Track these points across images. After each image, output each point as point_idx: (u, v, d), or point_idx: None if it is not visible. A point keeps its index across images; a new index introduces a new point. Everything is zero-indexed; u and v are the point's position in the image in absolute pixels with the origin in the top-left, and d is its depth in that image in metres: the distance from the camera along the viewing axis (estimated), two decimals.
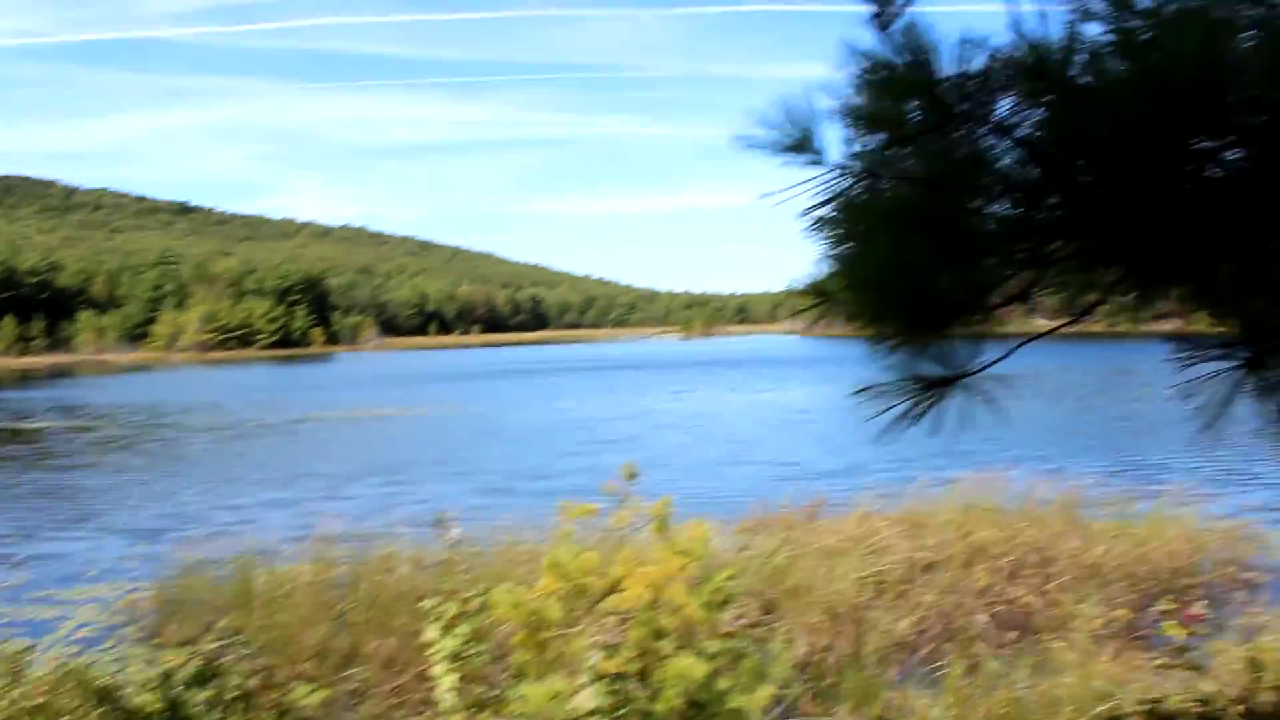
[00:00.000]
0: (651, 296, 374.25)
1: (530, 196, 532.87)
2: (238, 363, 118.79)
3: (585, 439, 30.51)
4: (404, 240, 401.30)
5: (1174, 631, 6.69)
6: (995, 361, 2.09)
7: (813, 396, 44.90)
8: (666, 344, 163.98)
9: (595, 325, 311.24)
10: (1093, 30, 2.06)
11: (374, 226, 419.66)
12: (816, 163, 2.12)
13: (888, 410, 2.09)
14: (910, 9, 2.15)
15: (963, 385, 2.08)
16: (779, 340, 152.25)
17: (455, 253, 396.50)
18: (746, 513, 12.72)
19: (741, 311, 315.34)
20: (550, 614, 4.46)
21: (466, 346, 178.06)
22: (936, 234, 1.99)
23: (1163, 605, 7.02)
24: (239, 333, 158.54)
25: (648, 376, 67.06)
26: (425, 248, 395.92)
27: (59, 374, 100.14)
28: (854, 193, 2.14)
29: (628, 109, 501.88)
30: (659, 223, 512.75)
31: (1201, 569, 10.92)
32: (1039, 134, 2.05)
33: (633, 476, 8.83)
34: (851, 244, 2.14)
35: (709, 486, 19.41)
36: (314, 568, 9.92)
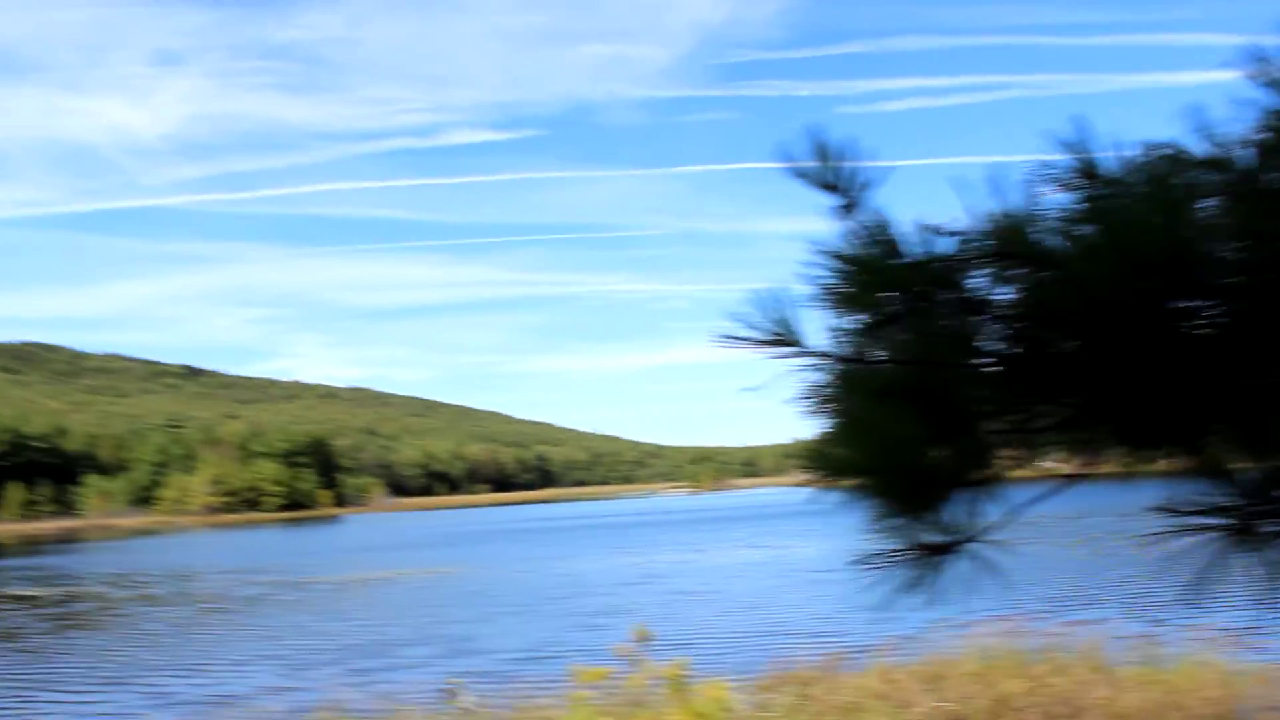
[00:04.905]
0: (657, 451, 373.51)
1: (532, 355, 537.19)
2: (246, 526, 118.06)
3: (595, 598, 30.21)
4: (409, 400, 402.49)
5: None
6: (996, 525, 2.16)
7: (824, 550, 44.54)
8: (675, 499, 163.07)
9: (602, 482, 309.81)
10: (1057, 199, 2.17)
11: (379, 387, 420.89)
12: (799, 352, 2.21)
13: (889, 579, 2.16)
14: (873, 192, 2.27)
15: (964, 550, 2.15)
16: (788, 493, 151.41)
17: (460, 412, 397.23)
18: (763, 670, 12.55)
19: (749, 464, 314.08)
20: None
21: (474, 506, 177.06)
22: (924, 409, 2.08)
23: None
24: (247, 495, 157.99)
25: (657, 533, 66.63)
26: (430, 407, 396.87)
27: (66, 539, 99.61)
28: (838, 375, 2.23)
29: (624, 267, 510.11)
30: (658, 378, 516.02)
31: (1239, 715, 10.65)
32: (1013, 309, 2.14)
33: (645, 639, 8.78)
34: (842, 422, 2.23)
35: (722, 644, 19.17)
36: None
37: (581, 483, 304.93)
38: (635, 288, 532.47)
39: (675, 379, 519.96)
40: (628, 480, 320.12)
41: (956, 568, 2.14)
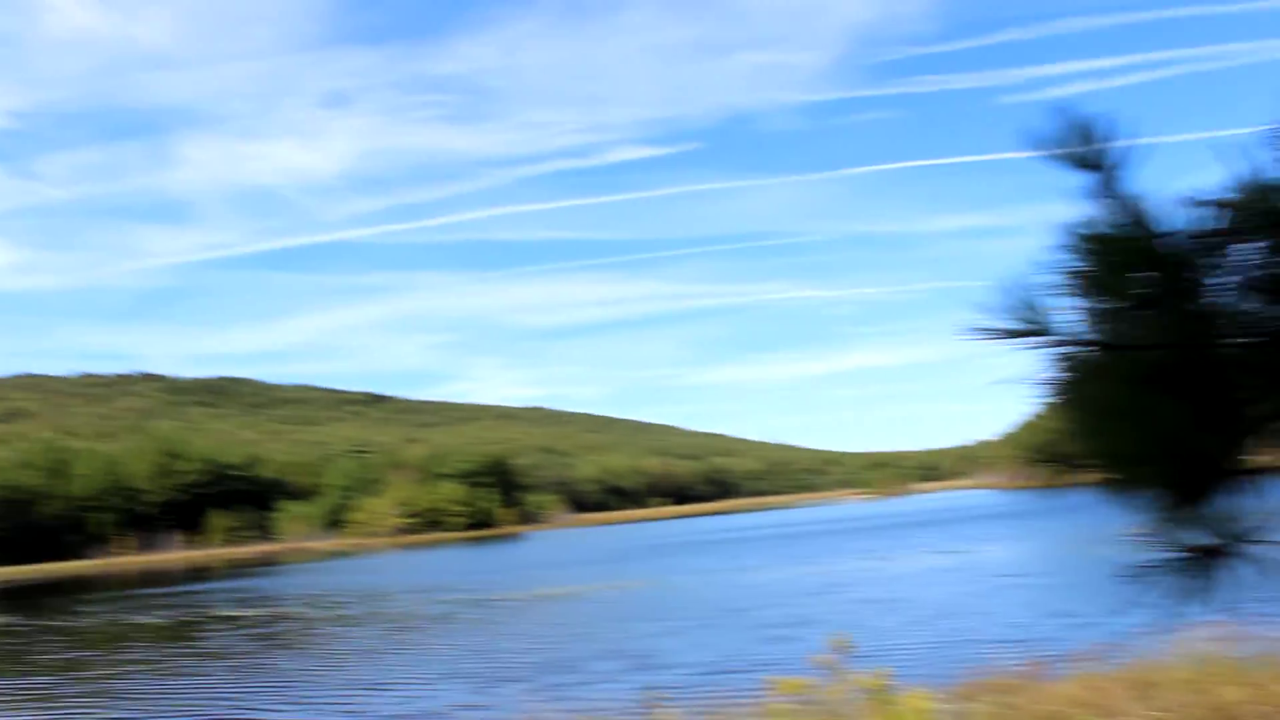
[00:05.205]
0: (835, 458, 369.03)
1: (703, 367, 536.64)
2: (432, 545, 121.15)
3: (780, 608, 29.92)
4: (585, 417, 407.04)
5: None
6: (1268, 521, 1.95)
7: (1016, 552, 43.27)
8: (855, 506, 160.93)
9: (780, 491, 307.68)
10: None
11: (555, 406, 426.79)
12: (1050, 341, 2.06)
13: (1154, 583, 1.97)
14: (1126, 168, 2.10)
15: (1235, 550, 1.95)
16: (972, 495, 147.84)
17: (636, 427, 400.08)
18: (960, 679, 12.16)
19: (929, 468, 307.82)
20: None
21: (653, 519, 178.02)
22: (1188, 395, 1.90)
23: None
24: (432, 516, 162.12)
25: (838, 541, 65.80)
26: (606, 423, 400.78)
27: (266, 562, 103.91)
28: (1091, 363, 2.06)
29: (790, 274, 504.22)
30: (832, 384, 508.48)
31: None
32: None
33: (844, 648, 8.56)
34: (1094, 413, 2.05)
35: (914, 653, 18.71)
36: None
37: (760, 492, 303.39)
38: (803, 294, 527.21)
39: (850, 384, 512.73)
40: (806, 488, 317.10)
41: (1229, 570, 1.94)
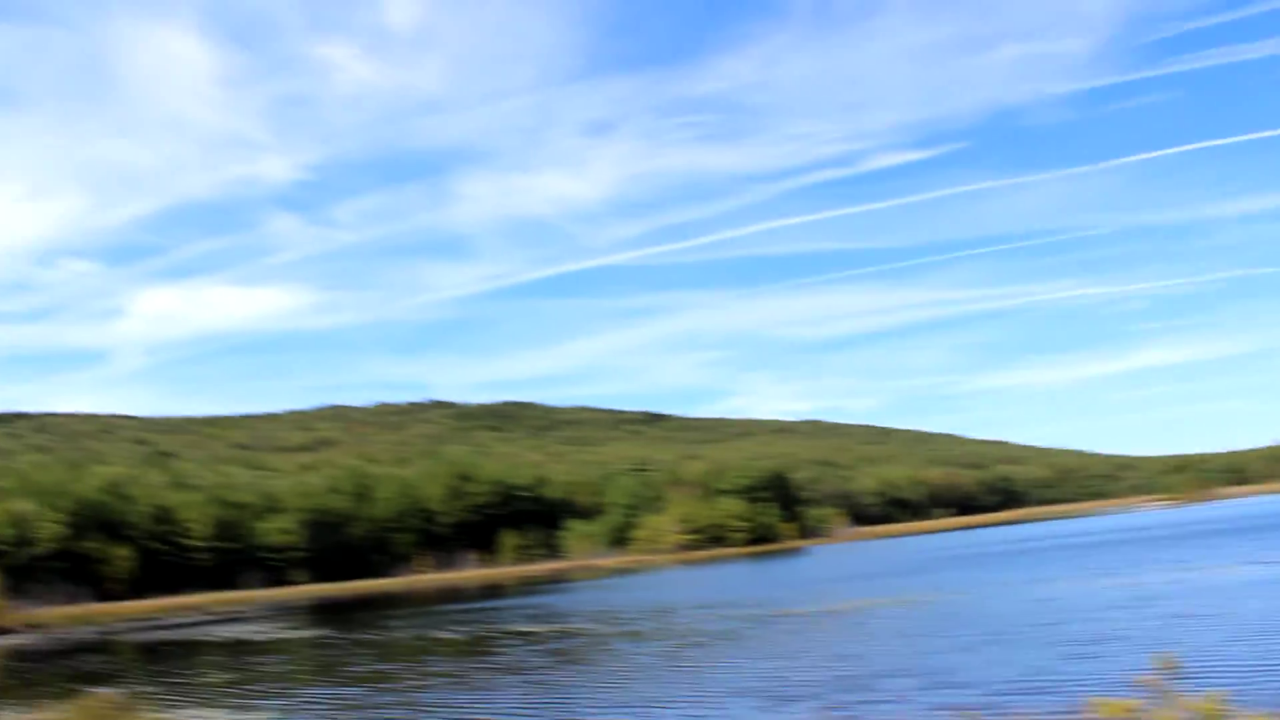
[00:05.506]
0: (1129, 463, 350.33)
1: (982, 372, 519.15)
2: (714, 561, 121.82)
3: (1082, 623, 28.29)
4: (862, 429, 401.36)
5: None
6: None
7: None
8: (1154, 513, 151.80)
9: (1071, 499, 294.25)
10: None
11: (831, 418, 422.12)
12: None
13: None
14: None
15: None
16: None
17: (915, 436, 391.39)
18: None
19: (1234, 471, 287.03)
20: None
21: (937, 531, 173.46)
22: None
23: None
24: (713, 532, 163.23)
25: (1139, 550, 62.08)
26: (884, 434, 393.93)
27: (555, 579, 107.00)
28: None
29: (1069, 272, 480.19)
30: (1124, 385, 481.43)
31: None
32: None
33: (1171, 668, 7.73)
34: None
35: (1242, 673, 17.19)
36: None
37: (1048, 501, 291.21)
38: (1085, 292, 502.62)
39: (1144, 384, 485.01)
40: (1098, 495, 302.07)
41: None
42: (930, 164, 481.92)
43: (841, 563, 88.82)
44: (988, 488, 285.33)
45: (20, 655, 59.69)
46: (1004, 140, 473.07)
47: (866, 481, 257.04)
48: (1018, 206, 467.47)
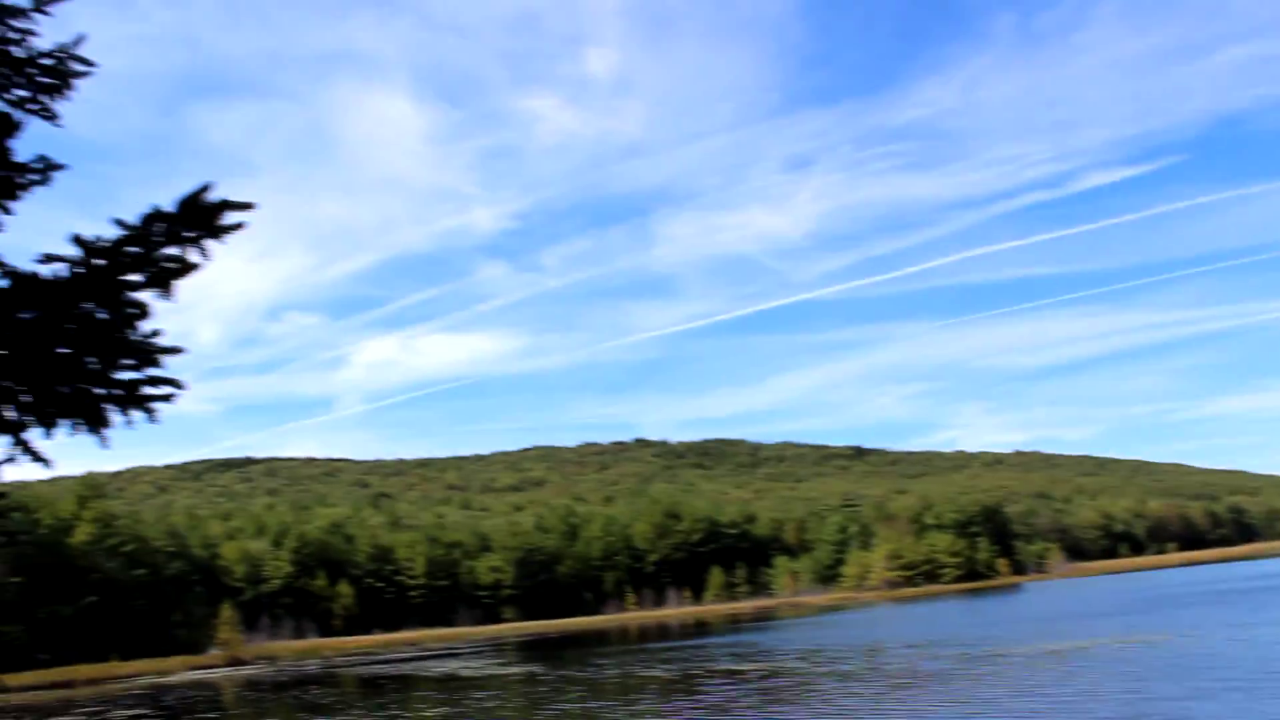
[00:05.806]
0: None
1: (1210, 397, 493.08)
2: (926, 598, 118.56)
3: None
4: (1079, 459, 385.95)
5: None
6: None
7: None
8: None
9: None
10: None
11: (1045, 449, 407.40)
12: None
13: None
14: None
15: None
16: None
17: (1136, 466, 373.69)
18: None
19: None
20: None
21: (1163, 567, 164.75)
22: None
23: None
24: (924, 568, 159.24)
25: None
26: (1102, 464, 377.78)
27: (762, 617, 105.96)
28: None
29: None
30: None
31: None
32: None
33: None
34: None
35: None
36: None
37: None
38: None
39: None
40: None
41: None
42: (1146, 180, 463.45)
43: (1060, 600, 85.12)
44: (1219, 520, 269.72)
45: (253, 685, 62.64)
46: (1225, 150, 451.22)
47: (1085, 514, 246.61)
48: (1242, 219, 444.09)
